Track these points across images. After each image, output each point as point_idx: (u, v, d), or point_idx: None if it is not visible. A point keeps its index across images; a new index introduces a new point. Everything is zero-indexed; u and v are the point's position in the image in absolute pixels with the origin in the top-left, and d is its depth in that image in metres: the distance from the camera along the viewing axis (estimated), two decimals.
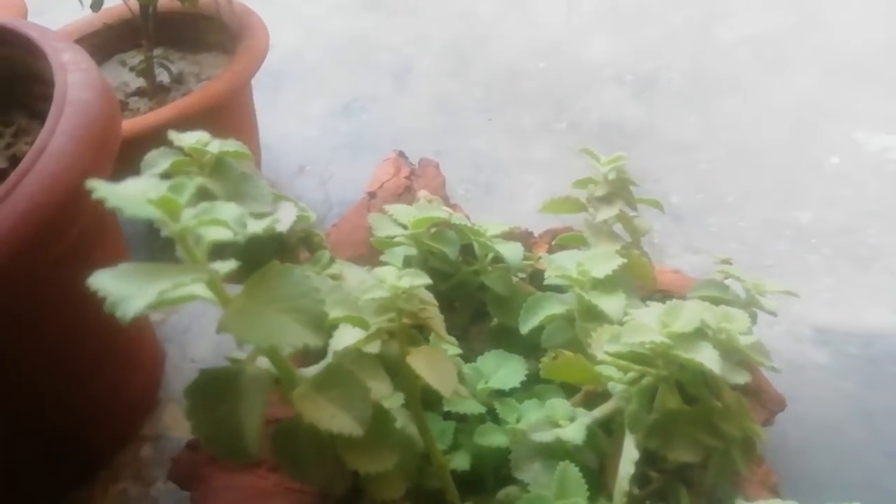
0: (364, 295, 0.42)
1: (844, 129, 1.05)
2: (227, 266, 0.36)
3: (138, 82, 0.94)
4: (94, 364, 0.64)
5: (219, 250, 0.48)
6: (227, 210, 0.33)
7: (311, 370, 0.40)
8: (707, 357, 0.39)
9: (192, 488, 0.53)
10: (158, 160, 0.48)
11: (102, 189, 0.30)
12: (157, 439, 0.70)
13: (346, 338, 0.41)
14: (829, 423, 0.71)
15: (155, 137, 0.50)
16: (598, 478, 0.47)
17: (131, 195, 0.32)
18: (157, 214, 0.31)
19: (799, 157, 1.03)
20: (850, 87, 1.13)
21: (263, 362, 0.37)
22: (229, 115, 0.88)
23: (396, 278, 0.41)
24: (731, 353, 0.42)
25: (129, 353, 0.68)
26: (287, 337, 0.33)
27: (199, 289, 0.35)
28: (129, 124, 0.77)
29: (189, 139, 0.49)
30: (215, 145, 0.49)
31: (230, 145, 0.50)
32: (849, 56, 1.19)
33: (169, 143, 0.49)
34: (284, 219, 0.48)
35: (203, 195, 0.48)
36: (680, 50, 1.26)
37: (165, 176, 0.49)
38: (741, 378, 0.41)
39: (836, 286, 0.86)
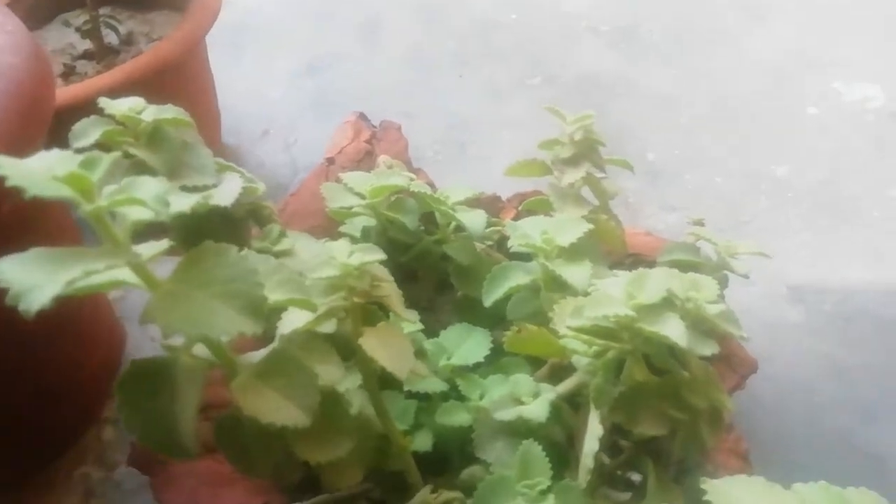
0: (312, 273, 0.39)
1: (824, 78, 1.03)
2: (156, 247, 0.34)
3: (85, 44, 0.88)
4: (46, 344, 0.61)
5: (157, 227, 0.45)
6: (147, 187, 0.29)
7: (256, 356, 0.37)
8: (673, 330, 0.37)
9: (152, 474, 0.52)
10: (88, 130, 0.44)
11: (3, 165, 0.27)
12: (119, 421, 0.68)
13: (296, 320, 0.39)
14: (803, 381, 0.71)
15: None
16: (567, 452, 0.46)
17: (37, 172, 0.29)
18: (67, 193, 0.28)
19: (778, 109, 1.00)
20: (830, 36, 1.10)
21: (201, 350, 0.35)
22: (182, 77, 0.83)
23: (347, 254, 0.39)
24: (699, 322, 0.40)
25: (82, 331, 0.66)
26: (220, 324, 0.30)
27: (124, 273, 0.32)
28: (73, 90, 0.72)
29: (121, 106, 0.45)
30: (150, 112, 0.45)
31: (168, 112, 0.46)
32: (829, 4, 1.16)
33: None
34: (229, 191, 0.45)
35: (138, 168, 0.45)
36: (657, 0, 1.22)
37: (97, 147, 0.46)
38: (708, 349, 0.39)
39: (813, 241, 0.84)
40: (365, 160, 0.64)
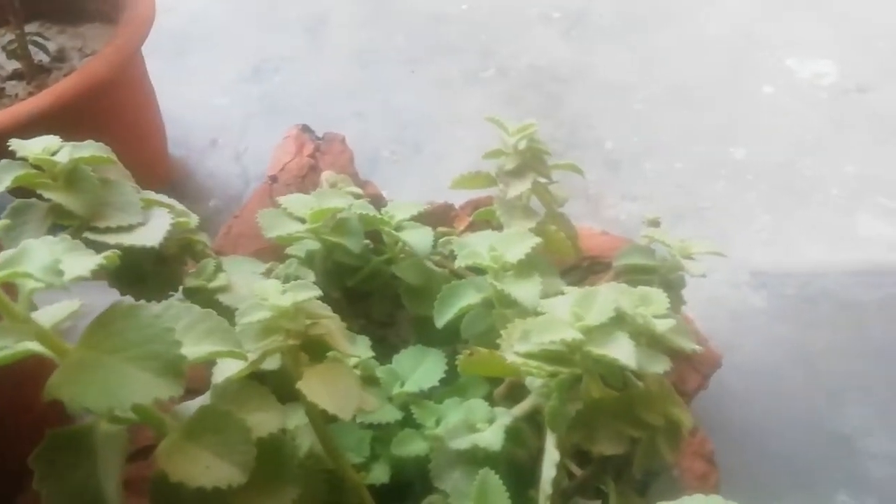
0: (243, 318, 0.37)
1: (777, 56, 1.02)
2: (62, 311, 0.32)
3: (14, 64, 0.84)
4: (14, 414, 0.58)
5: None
6: (37, 257, 0.27)
7: (188, 407, 0.35)
8: (622, 352, 0.36)
9: None
10: (1, 175, 0.41)
11: None
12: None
13: (230, 367, 0.37)
14: (769, 368, 0.71)
15: (32, 128, 0.44)
16: (531, 472, 0.45)
17: None
18: None
19: (733, 90, 0.99)
20: (782, 13, 1.09)
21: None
22: (118, 93, 0.79)
23: (278, 295, 0.37)
24: (651, 338, 0.39)
25: (26, 370, 0.63)
26: (135, 392, 0.28)
27: (32, 343, 0.30)
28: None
29: (34, 148, 0.42)
30: (66, 153, 0.42)
31: (86, 150, 0.43)
32: None
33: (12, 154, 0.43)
34: (156, 229, 0.43)
35: (56, 212, 0.42)
36: None
37: (13, 193, 0.43)
38: (660, 366, 0.38)
39: (773, 223, 0.84)
40: (309, 175, 0.61)
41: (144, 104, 0.89)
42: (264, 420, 0.35)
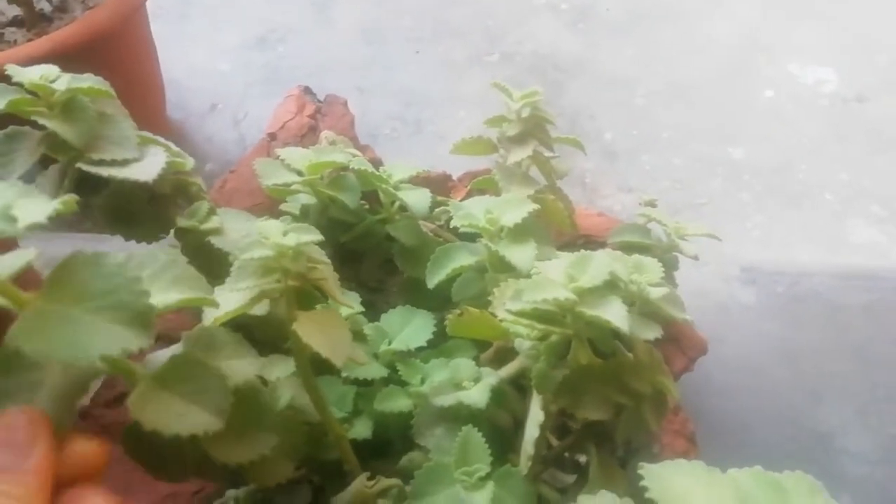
0: (243, 254, 0.36)
1: (780, 61, 1.03)
2: (18, 260, 0.29)
3: (15, 10, 0.83)
4: None
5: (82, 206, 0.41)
6: None
7: (160, 356, 0.34)
8: (615, 314, 0.36)
9: None
10: None
11: None
12: None
13: (219, 310, 0.36)
14: (753, 363, 0.71)
15: None
16: (512, 437, 0.45)
17: None
18: None
19: (735, 91, 1.00)
20: (787, 20, 1.10)
21: None
22: (119, 47, 0.78)
23: (281, 234, 0.36)
24: (643, 305, 0.39)
25: None
26: (102, 343, 0.26)
27: None
28: None
29: (32, 74, 0.42)
30: (64, 81, 0.42)
31: (85, 81, 0.43)
32: None
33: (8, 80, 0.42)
34: (152, 165, 0.42)
35: (50, 141, 0.42)
36: None
37: (6, 118, 0.42)
38: (652, 333, 0.38)
39: (766, 223, 0.84)
40: (308, 136, 0.61)
41: (145, 62, 0.88)
42: (240, 367, 0.34)
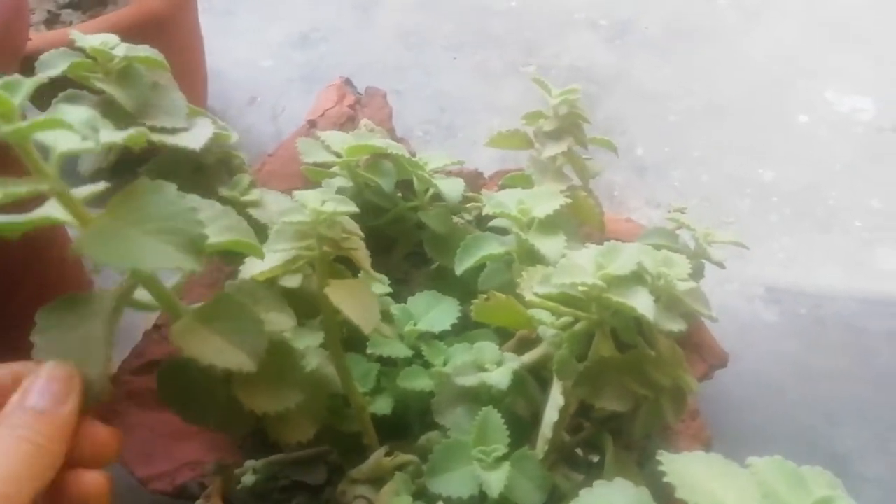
0: (283, 217, 0.38)
1: (817, 87, 1.03)
2: (92, 188, 0.31)
3: None
4: (6, 291, 0.59)
5: (120, 169, 0.43)
6: (74, 112, 0.28)
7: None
8: (641, 302, 0.36)
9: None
10: (55, 61, 0.43)
11: None
12: None
13: (257, 267, 0.38)
14: (771, 381, 0.71)
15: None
16: (529, 428, 0.45)
17: None
18: None
19: (769, 114, 1.00)
20: (827, 45, 1.10)
21: (144, 295, 0.33)
22: (169, 35, 0.81)
23: (319, 202, 0.38)
24: (670, 300, 0.40)
25: (47, 280, 0.64)
26: (155, 259, 0.28)
27: (53, 208, 0.30)
28: (50, 36, 0.70)
29: (94, 40, 0.44)
30: (122, 49, 0.44)
31: (141, 51, 0.45)
32: (830, 14, 1.16)
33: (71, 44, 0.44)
34: (199, 135, 0.44)
35: (105, 104, 0.44)
36: None
37: (66, 81, 0.44)
38: (676, 325, 0.38)
39: (794, 246, 0.84)
40: (347, 125, 0.63)
41: (192, 50, 0.91)
42: (276, 320, 0.36)
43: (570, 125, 0.50)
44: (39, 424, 0.27)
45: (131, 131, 0.28)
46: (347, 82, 0.66)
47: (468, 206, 0.59)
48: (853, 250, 0.83)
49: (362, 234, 0.40)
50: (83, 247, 0.27)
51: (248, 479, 0.45)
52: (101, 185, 0.30)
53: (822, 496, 0.30)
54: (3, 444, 0.26)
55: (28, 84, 0.26)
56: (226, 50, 1.07)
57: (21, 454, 0.26)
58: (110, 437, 0.30)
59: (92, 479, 0.29)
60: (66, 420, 0.28)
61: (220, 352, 0.31)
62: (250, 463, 0.46)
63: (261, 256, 0.34)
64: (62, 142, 0.27)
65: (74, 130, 0.26)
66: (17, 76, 0.27)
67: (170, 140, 0.43)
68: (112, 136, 0.28)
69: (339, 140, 0.50)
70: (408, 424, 0.46)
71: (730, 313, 0.76)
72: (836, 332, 0.74)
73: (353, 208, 0.38)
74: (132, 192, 0.29)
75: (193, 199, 0.30)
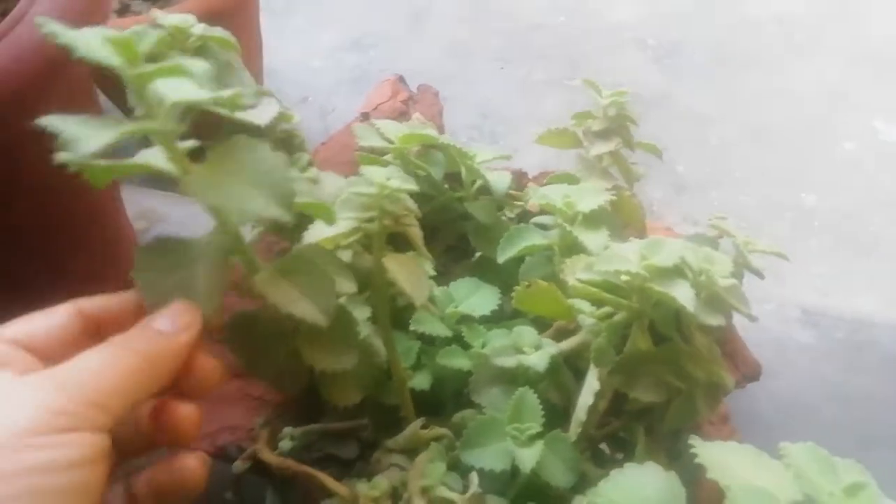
0: (350, 188, 0.40)
1: (863, 116, 1.02)
2: (191, 143, 0.34)
3: None
4: (68, 255, 0.62)
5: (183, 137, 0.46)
6: (195, 63, 0.30)
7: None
8: (682, 293, 0.37)
9: None
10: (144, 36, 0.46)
11: (50, 25, 0.28)
12: None
13: (320, 233, 0.39)
14: (805, 402, 0.70)
15: None
16: (562, 416, 0.46)
17: (87, 35, 0.30)
18: (114, 57, 0.29)
19: (813, 140, 1.00)
20: (873, 77, 1.10)
21: None
22: (232, 27, 0.83)
23: (384, 177, 0.39)
24: (710, 296, 0.40)
25: (105, 247, 0.67)
26: (254, 206, 0.30)
27: (158, 158, 0.33)
28: (123, 23, 0.74)
29: (174, 18, 0.47)
30: (199, 29, 0.47)
31: (216, 31, 0.48)
32: (876, 46, 1.16)
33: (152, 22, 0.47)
34: (266, 112, 0.46)
35: None
36: (708, 21, 1.22)
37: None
38: (715, 320, 0.39)
39: (832, 270, 0.84)
40: (399, 119, 0.65)
41: (250, 46, 0.95)
42: (341, 284, 0.38)
43: (618, 126, 0.51)
44: (158, 343, 0.30)
45: (231, 91, 0.31)
46: (401, 79, 0.69)
47: (512, 202, 0.60)
48: (892, 277, 0.82)
49: (419, 213, 0.42)
50: (189, 191, 0.29)
51: (286, 444, 0.47)
52: (193, 143, 0.32)
53: (854, 482, 0.30)
54: (112, 359, 0.28)
55: (152, 35, 0.29)
56: (281, 49, 1.11)
57: (129, 367, 0.28)
58: (214, 369, 0.32)
59: (187, 409, 0.31)
60: (182, 346, 0.30)
61: (296, 302, 0.33)
62: (288, 429, 0.48)
63: (333, 220, 0.36)
64: (176, 92, 0.29)
65: (195, 79, 0.28)
66: (145, 26, 0.29)
67: (238, 114, 0.45)
68: (222, 91, 0.30)
69: (393, 128, 0.52)
70: (443, 402, 0.48)
71: (766, 331, 0.76)
72: (872, 357, 0.74)
73: (415, 187, 0.40)
74: (230, 148, 0.31)
75: (283, 158, 0.32)
